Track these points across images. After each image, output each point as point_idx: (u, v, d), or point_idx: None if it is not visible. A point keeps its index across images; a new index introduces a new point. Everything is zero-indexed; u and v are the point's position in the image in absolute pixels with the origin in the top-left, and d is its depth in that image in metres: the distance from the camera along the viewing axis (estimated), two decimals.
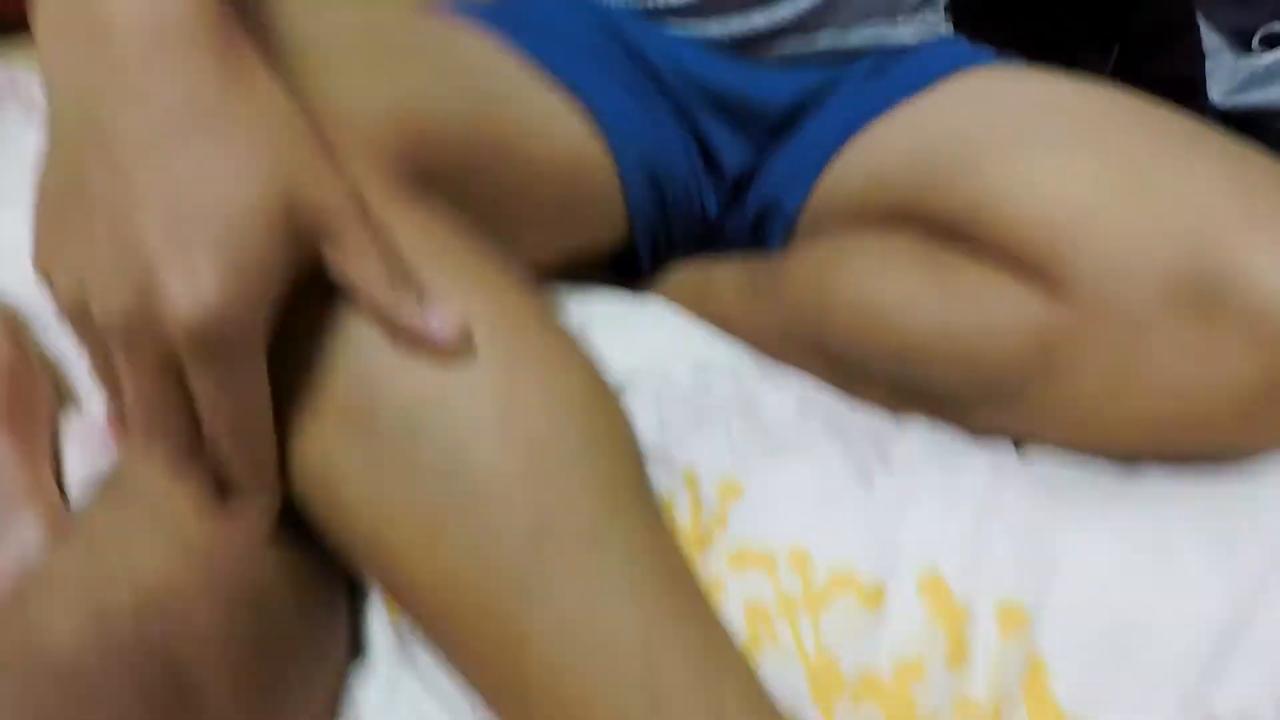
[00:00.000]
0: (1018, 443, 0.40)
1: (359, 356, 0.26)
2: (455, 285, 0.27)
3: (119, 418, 0.26)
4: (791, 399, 0.39)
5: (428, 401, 0.26)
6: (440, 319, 0.25)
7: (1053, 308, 0.35)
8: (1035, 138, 0.40)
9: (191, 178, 0.23)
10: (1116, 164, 0.37)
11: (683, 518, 0.34)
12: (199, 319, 0.21)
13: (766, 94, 0.48)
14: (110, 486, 0.30)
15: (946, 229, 0.41)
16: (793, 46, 0.49)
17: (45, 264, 0.24)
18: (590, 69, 0.46)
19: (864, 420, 0.39)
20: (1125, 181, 0.36)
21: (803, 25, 0.48)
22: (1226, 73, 0.67)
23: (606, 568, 0.26)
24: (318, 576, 0.30)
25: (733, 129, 0.50)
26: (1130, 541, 0.31)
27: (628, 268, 0.53)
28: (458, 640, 0.27)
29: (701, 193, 0.52)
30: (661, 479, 0.36)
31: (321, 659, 0.29)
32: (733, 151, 0.51)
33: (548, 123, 0.43)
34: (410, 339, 0.25)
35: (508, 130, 0.41)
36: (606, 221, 0.48)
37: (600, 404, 0.30)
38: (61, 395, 0.45)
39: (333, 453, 0.26)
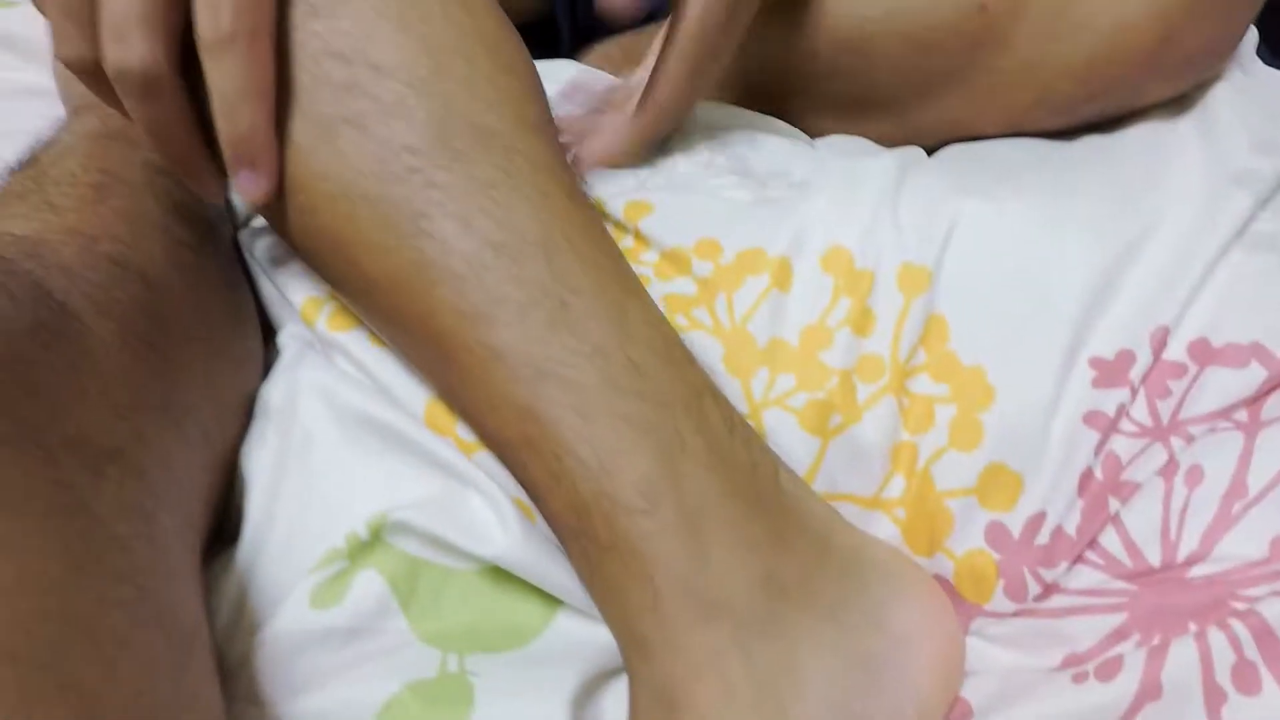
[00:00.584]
0: (930, 152, 0.41)
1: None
2: None
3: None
4: (701, 137, 0.39)
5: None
6: None
7: None
8: None
9: None
10: None
11: None
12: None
13: None
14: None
15: None
16: None
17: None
18: None
19: (770, 152, 0.38)
20: None
21: None
22: None
23: (510, 170, 0.26)
24: (219, 294, 0.31)
25: None
26: (1024, 205, 0.32)
27: (550, 44, 0.52)
28: (359, 278, 0.27)
29: None
30: None
31: (220, 355, 0.29)
32: None
33: None
34: None
35: None
36: None
37: (505, 30, 0.29)
38: None
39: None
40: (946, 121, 0.41)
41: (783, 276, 0.31)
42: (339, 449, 0.26)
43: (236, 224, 0.42)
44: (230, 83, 0.24)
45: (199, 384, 0.27)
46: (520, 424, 0.25)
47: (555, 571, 0.26)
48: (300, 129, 0.25)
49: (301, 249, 0.29)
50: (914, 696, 0.26)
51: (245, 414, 0.30)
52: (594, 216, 0.28)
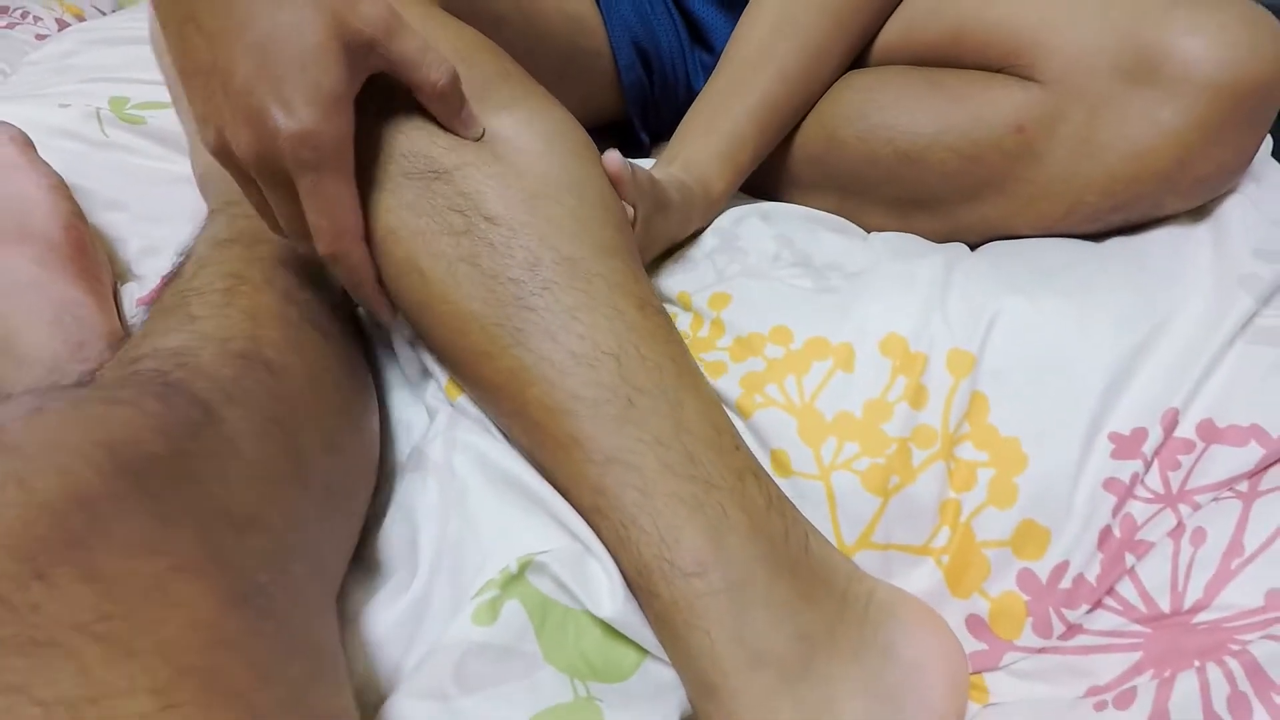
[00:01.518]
0: (972, 247, 0.47)
1: (407, 139, 0.32)
2: (483, 81, 0.34)
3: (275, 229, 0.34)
4: (769, 236, 0.45)
5: (458, 163, 0.32)
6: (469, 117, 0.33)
7: (1030, 91, 0.42)
8: None
9: (266, 33, 0.28)
10: None
11: (683, 325, 0.40)
12: (300, 137, 0.29)
13: None
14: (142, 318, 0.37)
15: (933, 56, 0.48)
16: None
17: (198, 123, 0.31)
18: None
19: (829, 247, 0.45)
20: None
21: None
22: None
23: (589, 292, 0.32)
24: (332, 369, 0.36)
25: (723, 11, 0.56)
26: (1056, 301, 0.38)
27: (628, 145, 0.59)
28: (475, 377, 0.33)
29: (689, 70, 0.57)
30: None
31: (341, 414, 0.34)
32: (724, 31, 0.55)
33: None
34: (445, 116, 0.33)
35: None
36: (599, 87, 0.54)
37: (594, 174, 0.35)
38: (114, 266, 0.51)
39: (374, 199, 0.33)
40: (987, 222, 0.46)
41: (846, 360, 0.36)
42: (489, 500, 0.32)
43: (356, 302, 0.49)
44: (344, 277, 0.34)
45: (321, 448, 0.32)
46: (593, 496, 0.31)
47: (647, 632, 0.31)
48: (428, 264, 0.32)
49: (431, 350, 0.36)
50: (931, 713, 0.31)
51: (368, 467, 0.36)
52: (661, 323, 0.34)
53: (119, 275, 0.54)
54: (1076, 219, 0.44)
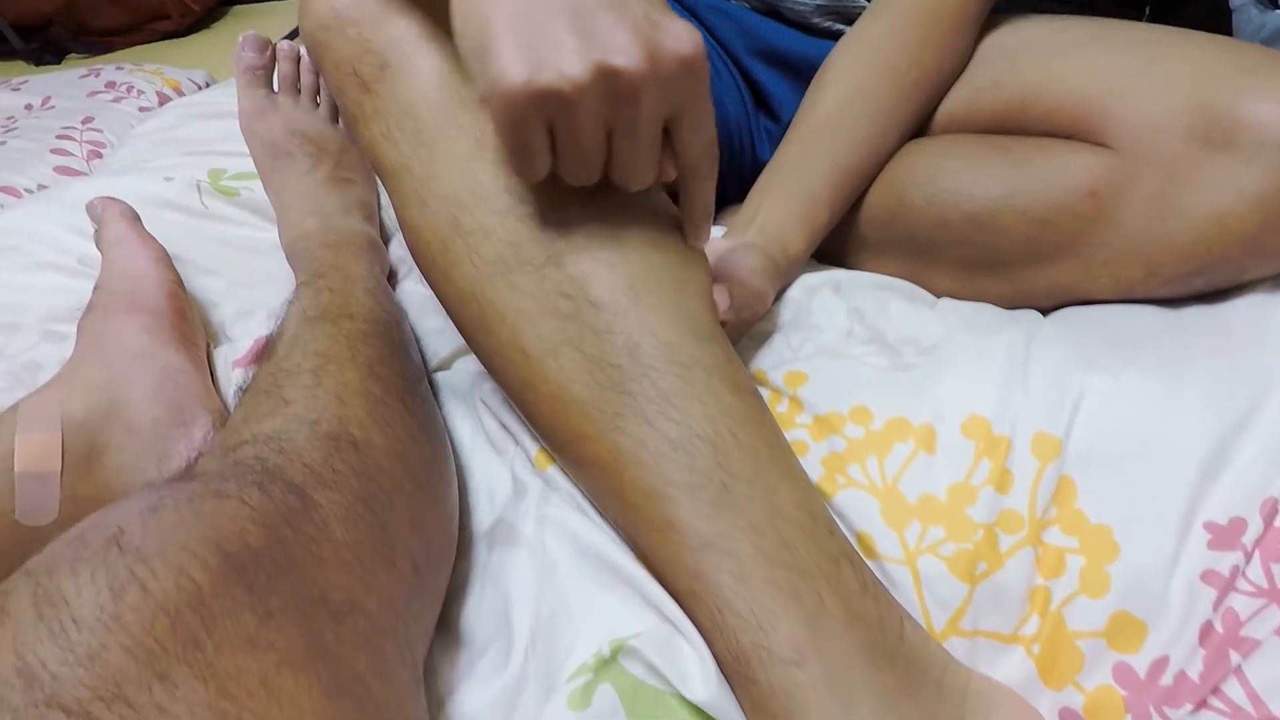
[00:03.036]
0: (1044, 313, 0.47)
1: (525, 226, 0.34)
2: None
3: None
4: (841, 310, 0.45)
5: (569, 248, 0.33)
6: None
7: (1101, 157, 0.42)
8: (1058, 46, 0.48)
9: None
10: (1128, 51, 0.45)
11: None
12: (694, 54, 0.28)
13: (820, 52, 0.55)
14: (240, 392, 0.39)
15: (997, 124, 0.49)
16: (837, 25, 0.57)
17: (538, 72, 0.27)
18: None
19: (901, 320, 0.45)
20: (1140, 60, 0.44)
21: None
22: (1253, 28, 0.70)
23: (686, 378, 0.32)
24: (418, 441, 0.37)
25: (788, 80, 0.58)
26: (1142, 380, 0.37)
27: None
28: (573, 456, 0.34)
29: (754, 137, 0.59)
30: None
31: (423, 490, 0.35)
32: (788, 99, 0.58)
33: None
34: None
35: None
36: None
37: (690, 261, 0.36)
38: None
39: (487, 282, 0.34)
40: (1060, 286, 0.46)
41: (928, 441, 0.36)
42: (581, 579, 0.33)
43: (430, 366, 0.51)
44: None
45: (407, 524, 0.33)
46: (689, 580, 0.31)
47: (740, 717, 0.31)
48: (532, 346, 0.33)
49: (531, 426, 0.36)
50: None
51: (449, 542, 0.36)
52: (756, 405, 0.34)
53: (212, 337, 0.57)
54: (1156, 283, 0.43)
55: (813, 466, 0.37)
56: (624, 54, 0.27)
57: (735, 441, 0.32)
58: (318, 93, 0.66)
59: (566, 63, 0.27)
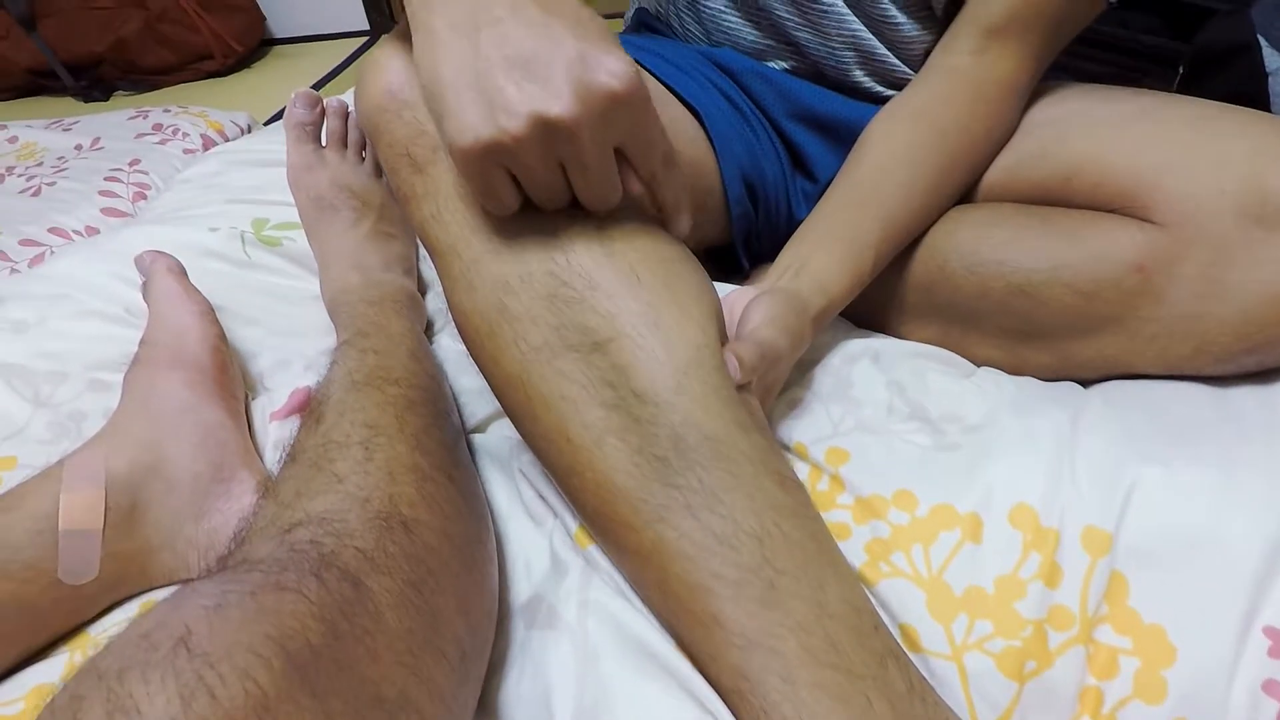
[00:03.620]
0: (1083, 383, 0.46)
1: (570, 311, 0.34)
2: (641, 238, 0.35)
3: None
4: (881, 383, 0.45)
5: (614, 335, 0.33)
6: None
7: (1148, 232, 0.42)
8: (1105, 119, 0.48)
9: (573, 18, 0.31)
10: (1177, 127, 0.45)
11: (800, 475, 0.40)
12: (626, 87, 0.30)
13: (858, 114, 0.56)
14: (289, 459, 0.39)
15: (1041, 195, 0.48)
16: (876, 85, 0.57)
17: (486, 130, 0.30)
18: (702, 90, 0.55)
19: (941, 394, 0.44)
20: (1190, 137, 0.44)
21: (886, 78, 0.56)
22: None
23: (733, 471, 0.32)
24: (463, 517, 0.37)
25: (826, 142, 0.58)
26: (1196, 473, 0.36)
27: (726, 265, 0.61)
28: (615, 543, 0.33)
29: (791, 198, 0.59)
30: None
31: (469, 570, 0.35)
32: (826, 161, 0.58)
33: (675, 134, 0.52)
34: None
35: None
36: (711, 219, 0.56)
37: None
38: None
39: (533, 367, 0.34)
40: (1104, 359, 0.46)
41: (974, 530, 0.36)
42: (624, 669, 0.32)
43: (467, 428, 0.51)
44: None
45: (455, 609, 0.32)
46: (734, 678, 0.30)
47: None
48: (576, 433, 0.33)
49: (576, 511, 0.36)
50: None
51: (490, 624, 0.36)
52: (800, 498, 0.34)
53: (250, 388, 0.57)
54: (1206, 360, 0.43)
55: (855, 552, 0.36)
56: (557, 100, 0.29)
57: (781, 536, 0.31)
58: (363, 147, 0.68)
59: (504, 118, 0.30)
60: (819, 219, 0.48)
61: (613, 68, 0.30)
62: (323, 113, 0.66)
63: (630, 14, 0.69)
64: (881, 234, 0.47)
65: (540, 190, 0.33)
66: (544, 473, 0.41)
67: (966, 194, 0.53)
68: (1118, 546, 0.35)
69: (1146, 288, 0.42)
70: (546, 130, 0.30)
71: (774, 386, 0.42)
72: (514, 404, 0.35)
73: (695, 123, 0.55)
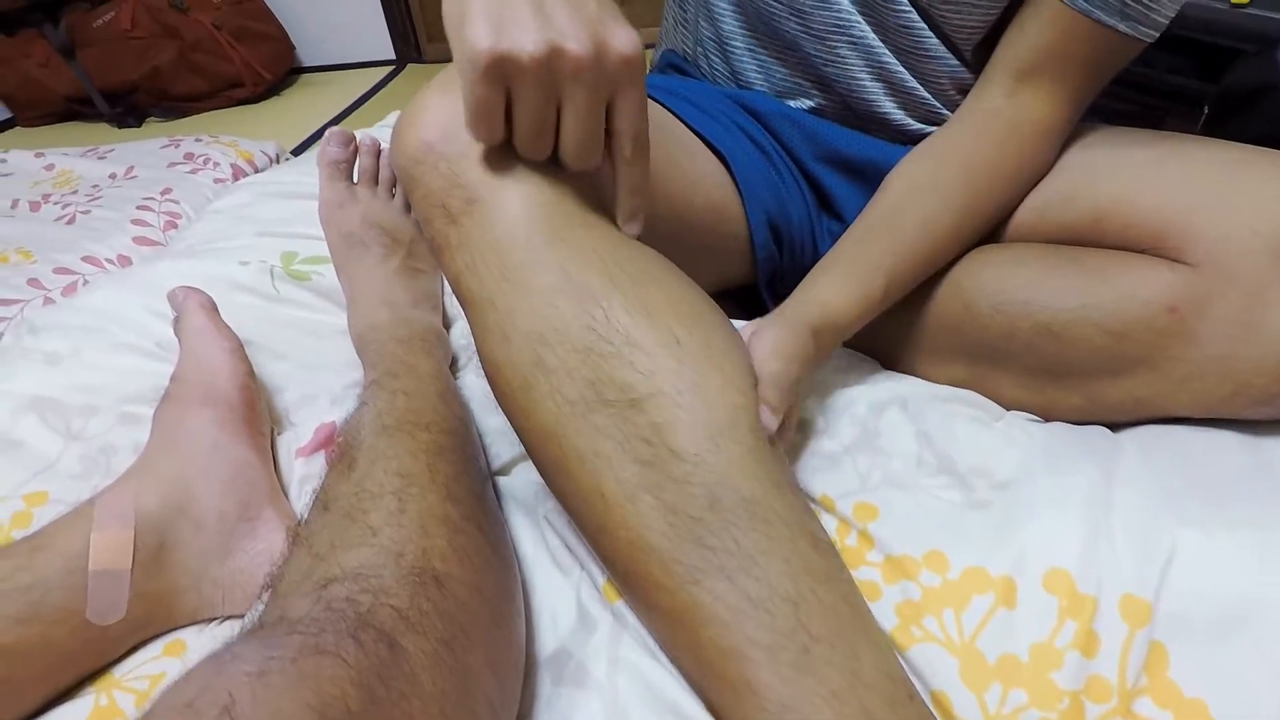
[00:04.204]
0: (1114, 427, 0.45)
1: (608, 365, 0.34)
2: (666, 301, 0.36)
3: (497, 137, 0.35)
4: (909, 434, 0.45)
5: (652, 391, 0.33)
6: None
7: (1180, 273, 0.42)
8: (1135, 161, 0.48)
9: None
10: (1209, 169, 0.45)
11: (829, 529, 0.40)
12: (635, 53, 0.33)
13: (885, 155, 0.56)
14: (319, 505, 0.39)
15: (1070, 236, 0.48)
16: (907, 119, 0.57)
17: (502, 39, 0.32)
18: (728, 134, 0.56)
19: (970, 445, 0.44)
20: (1222, 179, 0.44)
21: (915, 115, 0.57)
22: None
23: (768, 534, 0.32)
24: (493, 569, 0.37)
25: (854, 183, 0.59)
26: (1238, 538, 0.35)
27: (750, 304, 0.61)
28: (647, 603, 0.33)
29: (816, 237, 0.59)
30: None
31: (499, 624, 0.34)
32: (853, 202, 0.58)
33: (702, 179, 0.52)
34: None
35: (677, 185, 0.49)
36: (736, 261, 0.56)
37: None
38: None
39: (569, 421, 0.34)
40: (1136, 401, 0.45)
41: (1007, 595, 0.35)
42: None
43: (491, 469, 0.51)
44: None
45: (484, 663, 0.32)
46: None
47: None
48: (611, 490, 0.33)
49: (606, 569, 0.36)
50: None
51: (519, 672, 0.36)
52: (834, 561, 0.34)
53: (276, 422, 0.58)
54: (1243, 402, 0.42)
55: (886, 614, 0.36)
56: (574, 40, 0.32)
57: (816, 600, 0.31)
58: (394, 184, 0.69)
59: (524, 39, 0.32)
60: (831, 252, 0.49)
61: (625, 35, 0.33)
62: (355, 150, 0.67)
63: (658, 56, 0.70)
64: (894, 261, 0.47)
65: (529, 122, 0.34)
66: (571, 523, 0.41)
67: (993, 235, 0.53)
68: (1157, 616, 0.34)
69: (1179, 328, 0.42)
70: (557, 62, 0.32)
71: (792, 415, 0.42)
72: (547, 458, 0.35)
73: (721, 167, 0.55)
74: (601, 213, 0.38)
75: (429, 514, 0.36)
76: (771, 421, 0.35)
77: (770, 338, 0.40)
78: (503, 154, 0.37)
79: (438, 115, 0.37)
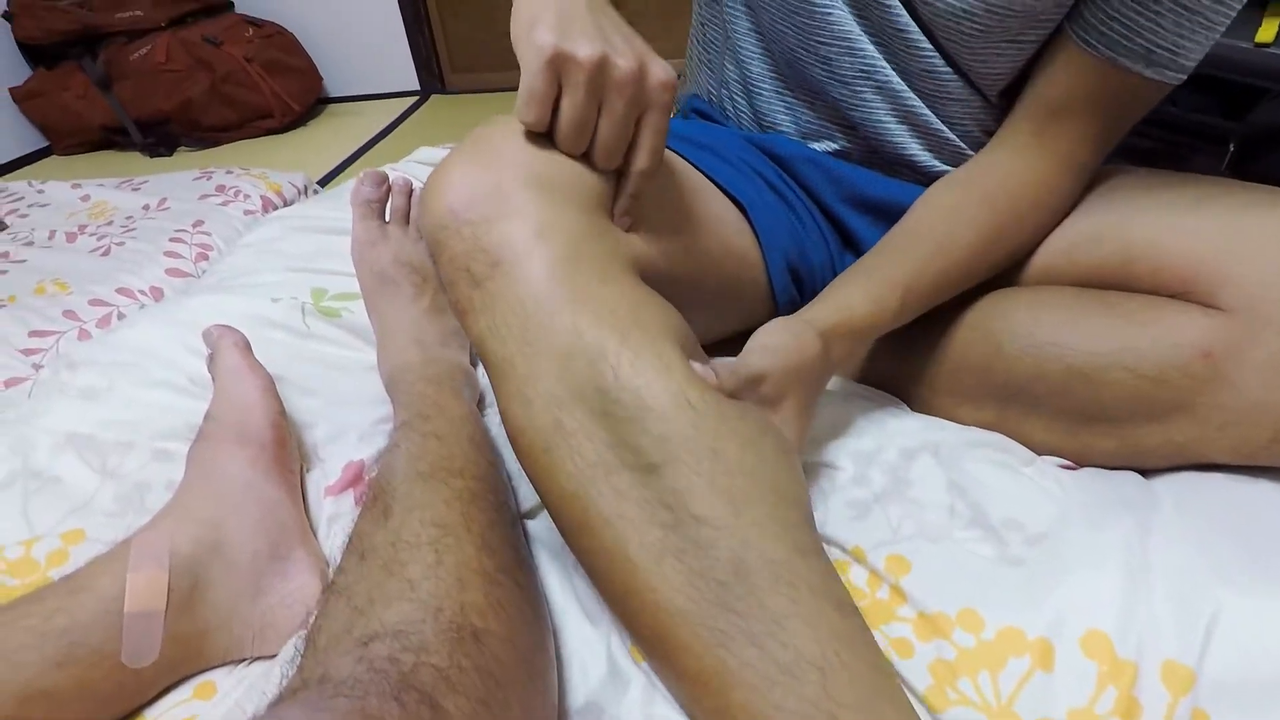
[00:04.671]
0: (1145, 473, 0.44)
1: (625, 429, 0.34)
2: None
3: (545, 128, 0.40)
4: (941, 483, 0.45)
5: (668, 458, 0.33)
6: None
7: (1214, 318, 0.42)
8: (1165, 203, 0.48)
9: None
10: (1241, 213, 0.44)
11: (858, 581, 0.40)
12: (670, 81, 0.40)
13: (910, 196, 0.56)
14: (355, 553, 0.39)
15: (1098, 279, 0.48)
16: (934, 160, 0.58)
17: (566, 41, 0.37)
18: (747, 182, 0.57)
19: (1002, 496, 0.43)
20: (1255, 222, 0.43)
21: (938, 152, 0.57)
22: None
23: (794, 598, 0.31)
24: (528, 622, 0.37)
25: (877, 223, 0.59)
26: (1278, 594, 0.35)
27: None
28: (673, 667, 0.33)
29: (838, 274, 0.59)
30: (832, 554, 0.42)
31: (533, 679, 0.34)
32: (873, 238, 0.58)
33: (723, 227, 0.53)
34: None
35: (699, 235, 0.50)
36: (758, 304, 0.57)
37: (786, 467, 0.36)
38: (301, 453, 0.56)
39: (590, 484, 0.34)
40: (1174, 446, 0.44)
41: (1044, 657, 0.35)
42: None
43: (520, 513, 0.51)
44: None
45: (516, 709, 0.32)
46: None
47: None
48: (636, 553, 0.33)
49: (631, 634, 0.36)
50: None
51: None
52: (859, 624, 0.33)
53: (305, 459, 0.59)
54: None
55: (919, 673, 0.36)
56: (623, 57, 0.38)
57: (842, 666, 0.31)
58: None
59: (584, 45, 0.37)
60: (855, 263, 0.50)
61: (663, 66, 0.40)
62: (388, 190, 0.69)
63: (684, 101, 0.71)
64: (913, 276, 0.47)
65: (573, 117, 0.39)
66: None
67: (1021, 276, 0.53)
68: (1201, 683, 0.33)
69: (1215, 374, 0.42)
70: (606, 70, 0.38)
71: (803, 426, 0.42)
72: (570, 520, 0.35)
73: (741, 215, 0.56)
74: (619, 265, 0.39)
75: (465, 566, 0.36)
76: (706, 373, 0.37)
77: (765, 330, 0.43)
78: (526, 220, 0.38)
79: (463, 183, 0.38)
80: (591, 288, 0.36)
